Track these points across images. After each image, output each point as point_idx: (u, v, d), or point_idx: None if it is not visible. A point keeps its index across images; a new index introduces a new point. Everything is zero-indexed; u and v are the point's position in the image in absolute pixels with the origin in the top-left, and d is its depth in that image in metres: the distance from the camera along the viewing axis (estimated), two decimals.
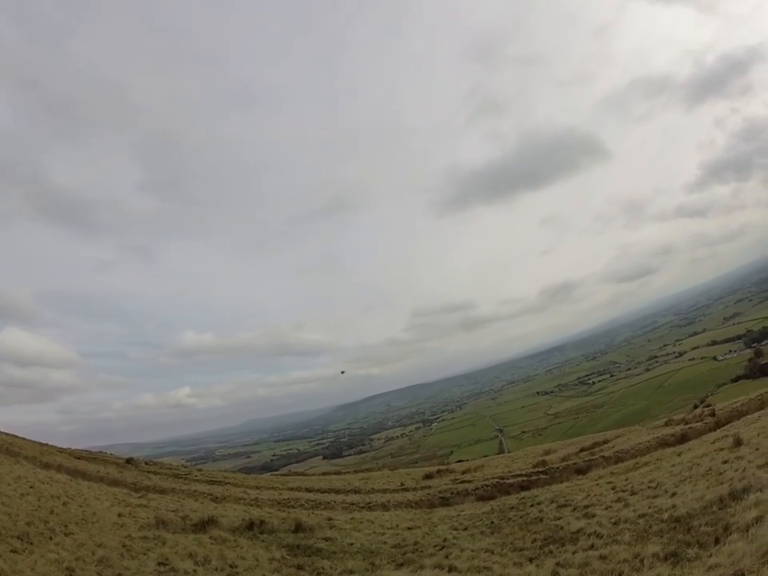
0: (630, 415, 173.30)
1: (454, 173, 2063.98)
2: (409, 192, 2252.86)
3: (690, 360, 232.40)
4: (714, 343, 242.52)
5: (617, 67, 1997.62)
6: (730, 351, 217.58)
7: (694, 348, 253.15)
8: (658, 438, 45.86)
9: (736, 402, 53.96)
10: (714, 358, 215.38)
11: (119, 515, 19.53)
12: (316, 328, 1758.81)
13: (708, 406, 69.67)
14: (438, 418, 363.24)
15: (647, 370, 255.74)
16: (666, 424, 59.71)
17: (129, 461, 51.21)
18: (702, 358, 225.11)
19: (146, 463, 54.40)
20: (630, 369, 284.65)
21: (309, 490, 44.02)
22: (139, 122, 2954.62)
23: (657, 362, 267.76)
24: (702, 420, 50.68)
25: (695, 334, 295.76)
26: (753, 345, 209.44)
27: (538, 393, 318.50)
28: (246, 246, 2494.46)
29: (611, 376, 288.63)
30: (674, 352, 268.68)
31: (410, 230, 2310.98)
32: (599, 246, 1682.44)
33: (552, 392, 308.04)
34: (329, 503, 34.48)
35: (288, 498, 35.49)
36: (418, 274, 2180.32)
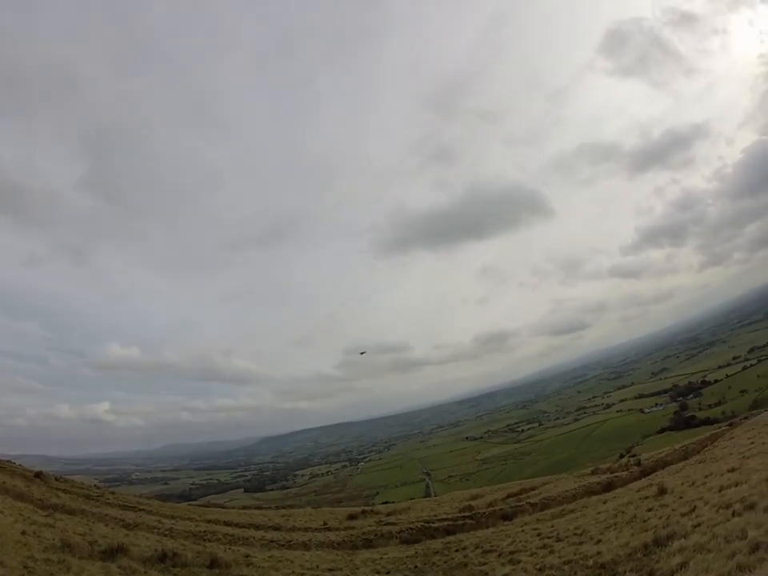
0: (557, 463, 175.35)
1: (398, 215, 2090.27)
2: (351, 230, 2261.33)
3: (617, 411, 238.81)
4: (641, 396, 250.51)
5: (568, 131, 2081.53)
6: (657, 404, 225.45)
7: (621, 400, 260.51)
8: (584, 485, 46.02)
9: (661, 453, 55.00)
10: (641, 411, 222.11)
11: (23, 533, 18.21)
12: (246, 356, 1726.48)
13: (634, 455, 70.92)
14: (366, 457, 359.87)
15: (576, 420, 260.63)
16: (593, 473, 60.28)
17: (38, 475, 48.05)
18: (629, 410, 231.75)
19: (57, 479, 51.04)
20: (558, 418, 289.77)
21: (227, 524, 42.22)
22: (90, 116, 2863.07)
23: (585, 412, 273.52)
24: (627, 469, 51.30)
25: (623, 387, 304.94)
26: (678, 399, 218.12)
27: (467, 438, 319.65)
28: (183, 262, 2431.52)
29: (540, 425, 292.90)
30: (603, 404, 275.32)
31: (348, 268, 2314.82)
32: (535, 299, 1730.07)
33: (481, 438, 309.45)
34: (247, 539, 33.02)
35: (205, 531, 33.83)
36: (354, 312, 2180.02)
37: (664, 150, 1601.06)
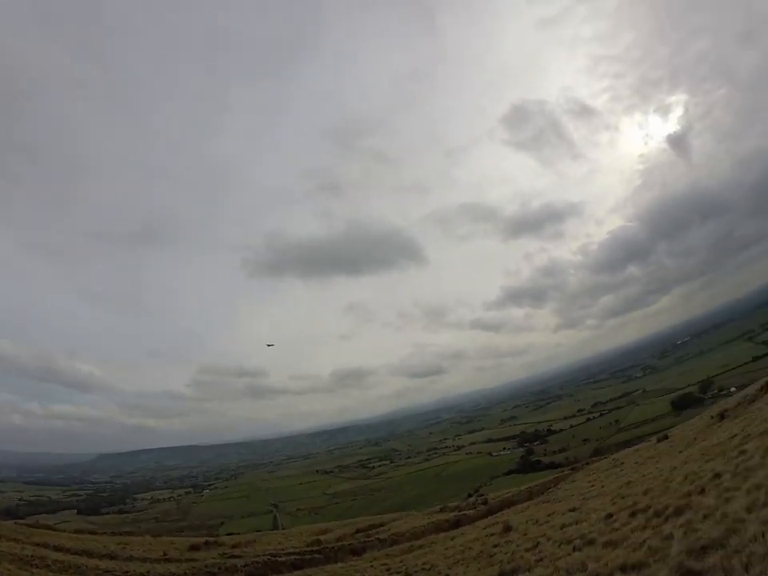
0: (407, 501, 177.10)
1: (277, 239, 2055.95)
2: (226, 245, 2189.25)
3: (467, 454, 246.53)
4: (490, 441, 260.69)
5: (455, 188, 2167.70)
6: (505, 449, 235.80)
7: (472, 443, 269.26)
8: (433, 522, 46.87)
9: (508, 493, 57.28)
10: (490, 454, 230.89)
11: None
12: (92, 361, 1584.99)
13: (481, 495, 73.51)
14: (212, 484, 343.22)
15: (426, 459, 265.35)
16: (442, 510, 61.62)
17: None
18: (478, 453, 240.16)
19: None
20: (410, 457, 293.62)
21: (58, 549, 38.85)
22: None
23: (436, 453, 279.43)
24: (475, 508, 52.89)
25: (474, 431, 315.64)
26: (525, 444, 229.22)
27: (318, 471, 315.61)
28: (42, 246, 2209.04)
29: (392, 462, 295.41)
30: (453, 445, 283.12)
31: (217, 284, 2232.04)
32: (397, 341, 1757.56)
33: (332, 472, 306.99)
34: (79, 567, 30.62)
35: (32, 556, 30.98)
36: (214, 331, 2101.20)
37: (539, 221, 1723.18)
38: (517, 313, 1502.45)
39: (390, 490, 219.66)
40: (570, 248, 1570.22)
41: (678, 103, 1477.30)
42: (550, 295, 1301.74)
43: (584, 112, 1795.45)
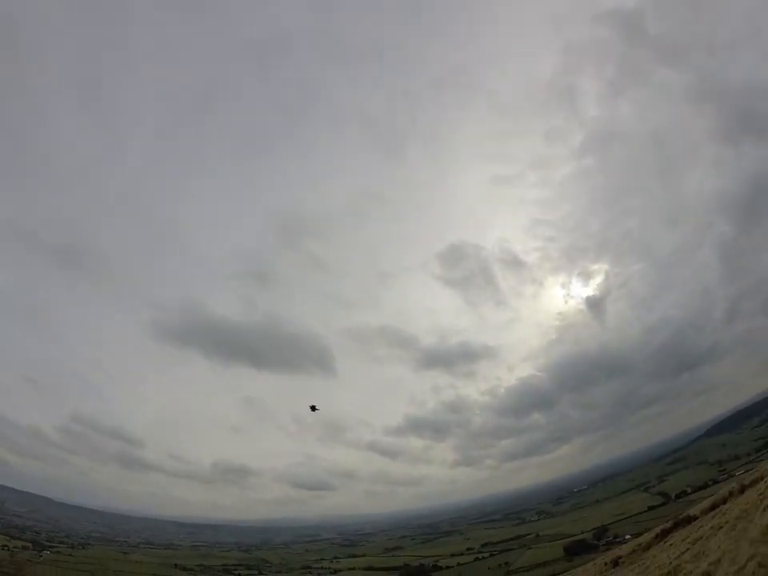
0: None
1: (193, 310, 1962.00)
2: (141, 296, 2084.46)
3: None
4: (371, 568, 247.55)
5: (379, 309, 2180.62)
6: None
7: (350, 568, 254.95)
8: None
9: None
10: None
11: None
12: None
13: None
14: (55, 546, 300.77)
15: None
16: None
17: None
18: None
19: None
20: (281, 572, 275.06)
21: None
22: None
23: (311, 572, 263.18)
24: None
25: (355, 556, 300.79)
26: None
27: (176, 566, 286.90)
28: None
29: (260, 574, 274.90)
30: (330, 568, 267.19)
31: (117, 331, 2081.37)
32: (288, 447, 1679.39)
33: (192, 570, 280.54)
34: None
35: None
36: (101, 380, 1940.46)
37: (454, 358, 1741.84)
38: (416, 443, 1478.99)
39: None
40: (479, 388, 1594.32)
41: (600, 271, 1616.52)
42: (452, 431, 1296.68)
43: (515, 264, 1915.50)
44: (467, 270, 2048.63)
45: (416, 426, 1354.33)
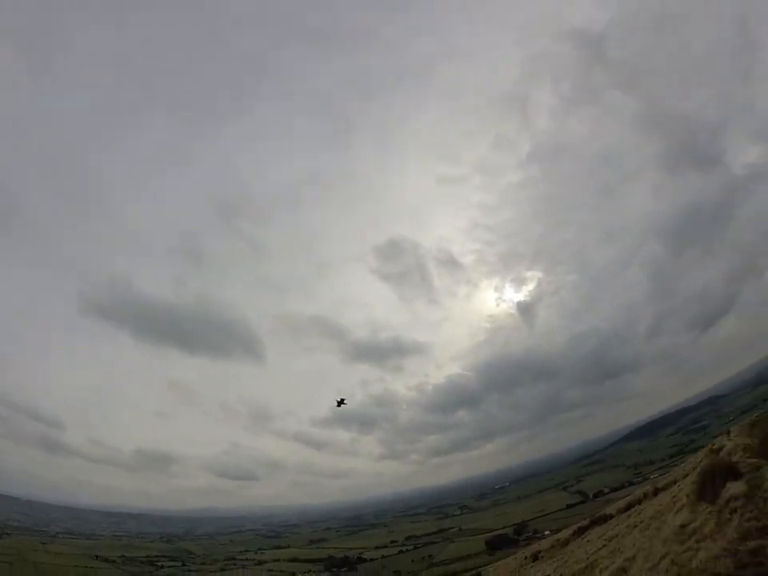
0: None
1: (123, 286, 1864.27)
2: (68, 266, 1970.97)
3: (269, 570, 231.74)
4: (295, 560, 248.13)
5: (313, 299, 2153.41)
6: (310, 571, 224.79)
7: (275, 560, 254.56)
8: None
9: None
10: (293, 574, 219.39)
11: None
12: None
13: None
14: None
15: (222, 570, 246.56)
16: None
17: None
18: (281, 571, 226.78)
19: None
20: (205, 563, 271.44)
21: None
22: None
23: (234, 564, 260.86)
24: None
25: (280, 547, 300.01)
26: (332, 569, 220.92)
27: (97, 557, 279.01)
28: None
29: (183, 565, 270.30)
30: (255, 559, 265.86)
31: (40, 300, 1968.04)
32: (214, 434, 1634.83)
33: (114, 561, 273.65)
34: None
35: None
36: (19, 354, 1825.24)
37: (384, 352, 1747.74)
38: (343, 435, 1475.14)
39: None
40: (407, 383, 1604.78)
41: (533, 278, 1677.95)
42: (379, 425, 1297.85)
43: (451, 264, 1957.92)
44: (404, 266, 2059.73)
45: (343, 418, 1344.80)
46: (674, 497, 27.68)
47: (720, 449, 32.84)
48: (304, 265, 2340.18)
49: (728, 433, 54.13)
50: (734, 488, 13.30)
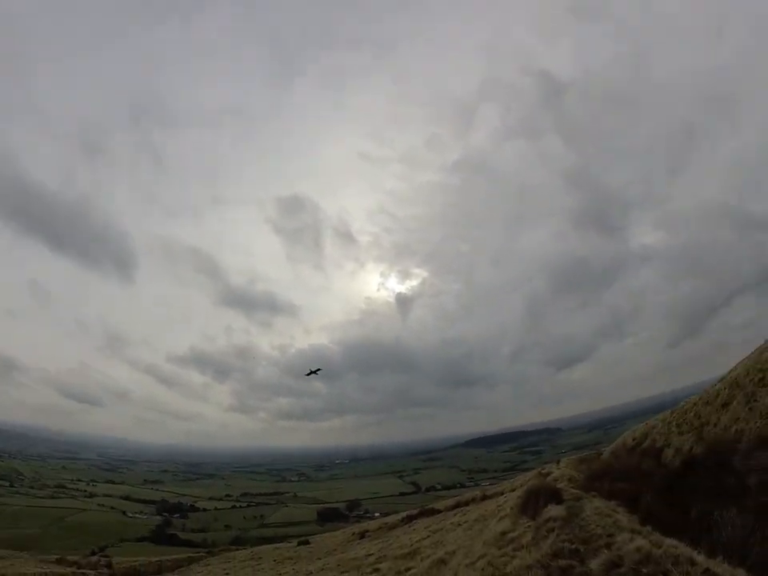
0: (19, 538, 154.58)
1: (6, 160, 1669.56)
2: None
3: (99, 505, 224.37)
4: (128, 498, 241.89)
5: (199, 231, 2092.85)
6: (142, 512, 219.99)
7: (107, 495, 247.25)
8: (45, 574, 42.15)
9: (136, 561, 53.86)
10: (124, 513, 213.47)
11: None
12: None
13: (106, 556, 67.59)
14: None
15: (52, 497, 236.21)
16: (58, 562, 55.48)
17: None
18: (112, 508, 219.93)
19: None
20: (33, 487, 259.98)
21: None
22: None
23: (65, 492, 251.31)
24: (96, 569, 48.69)
25: (113, 482, 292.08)
26: (164, 513, 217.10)
27: None
28: None
29: (11, 486, 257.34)
30: (86, 491, 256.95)
31: None
32: (64, 348, 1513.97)
33: None
34: None
35: None
36: None
37: (256, 304, 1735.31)
38: (196, 378, 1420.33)
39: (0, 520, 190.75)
40: (272, 342, 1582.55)
41: (419, 276, 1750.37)
42: (234, 375, 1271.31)
43: (347, 238, 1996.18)
44: (301, 225, 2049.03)
45: (200, 360, 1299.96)
46: (499, 506, 29.86)
47: (549, 474, 36.05)
48: (201, 192, 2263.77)
49: (558, 462, 59.15)
50: (555, 510, 15.05)
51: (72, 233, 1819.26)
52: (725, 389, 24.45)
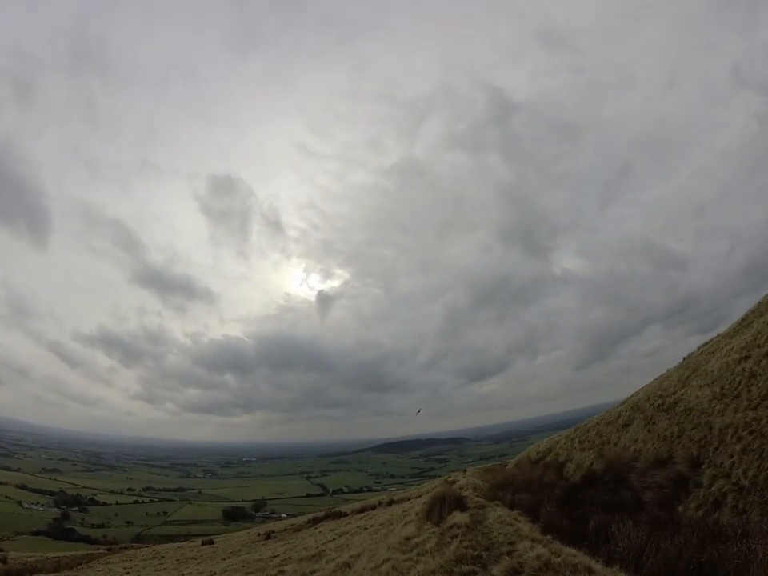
0: None
1: None
2: None
3: None
4: (24, 487, 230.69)
5: (122, 199, 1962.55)
6: (38, 503, 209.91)
7: (1, 482, 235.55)
8: None
9: (32, 557, 51.79)
10: (20, 503, 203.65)
11: None
12: None
13: (2, 550, 64.49)
14: None
15: None
16: None
17: None
18: (6, 497, 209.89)
19: None
20: None
21: None
22: None
23: None
24: None
25: (9, 469, 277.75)
26: (63, 506, 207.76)
27: None
28: None
29: None
30: None
31: None
32: None
33: None
34: None
35: None
36: None
37: (172, 286, 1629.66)
38: (102, 360, 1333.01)
39: None
40: (185, 328, 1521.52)
41: (342, 277, 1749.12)
42: (143, 361, 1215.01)
43: (275, 227, 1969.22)
44: (229, 207, 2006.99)
45: (108, 341, 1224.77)
46: (405, 511, 30.34)
47: (455, 482, 36.91)
48: (130, 156, 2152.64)
49: (464, 471, 60.60)
50: (459, 517, 15.46)
51: None
52: (626, 411, 25.87)
